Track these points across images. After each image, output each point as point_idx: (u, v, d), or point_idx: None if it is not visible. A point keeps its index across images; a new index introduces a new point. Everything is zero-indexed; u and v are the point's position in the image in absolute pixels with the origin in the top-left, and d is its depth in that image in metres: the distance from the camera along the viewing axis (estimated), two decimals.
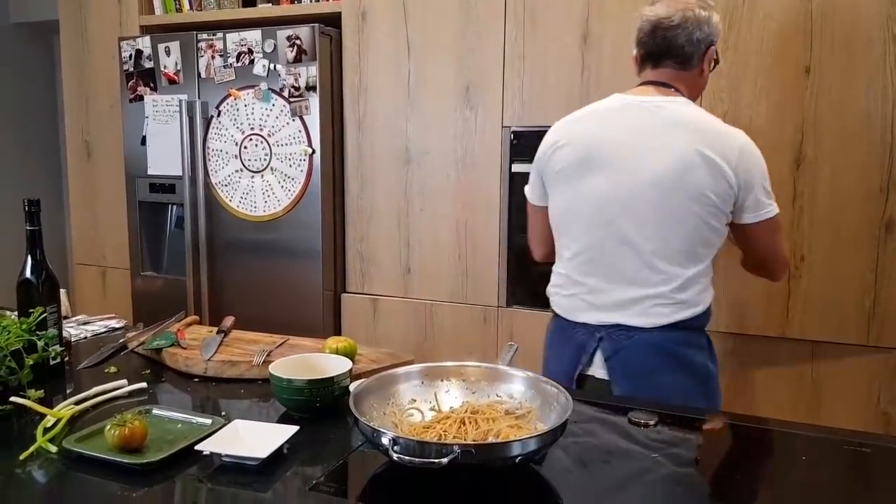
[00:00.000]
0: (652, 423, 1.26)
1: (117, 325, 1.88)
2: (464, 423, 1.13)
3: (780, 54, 2.05)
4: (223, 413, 1.28)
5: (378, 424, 1.10)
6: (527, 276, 2.45)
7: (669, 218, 1.44)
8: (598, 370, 1.53)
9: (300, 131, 2.52)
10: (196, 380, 1.48)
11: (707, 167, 1.41)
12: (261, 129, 2.59)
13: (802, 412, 2.12)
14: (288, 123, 2.54)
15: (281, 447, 1.11)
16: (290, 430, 1.15)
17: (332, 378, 1.27)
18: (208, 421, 1.21)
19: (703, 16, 1.47)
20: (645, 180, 1.45)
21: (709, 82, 1.60)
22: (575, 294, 1.57)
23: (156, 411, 1.25)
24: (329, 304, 2.66)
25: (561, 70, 2.30)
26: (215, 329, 1.71)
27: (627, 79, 2.20)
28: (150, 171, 2.83)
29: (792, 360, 2.14)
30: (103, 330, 1.85)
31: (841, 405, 2.09)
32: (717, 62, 1.57)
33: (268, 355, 1.51)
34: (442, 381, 1.27)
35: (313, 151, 2.52)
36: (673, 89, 1.50)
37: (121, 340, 1.69)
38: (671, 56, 1.49)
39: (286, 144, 2.56)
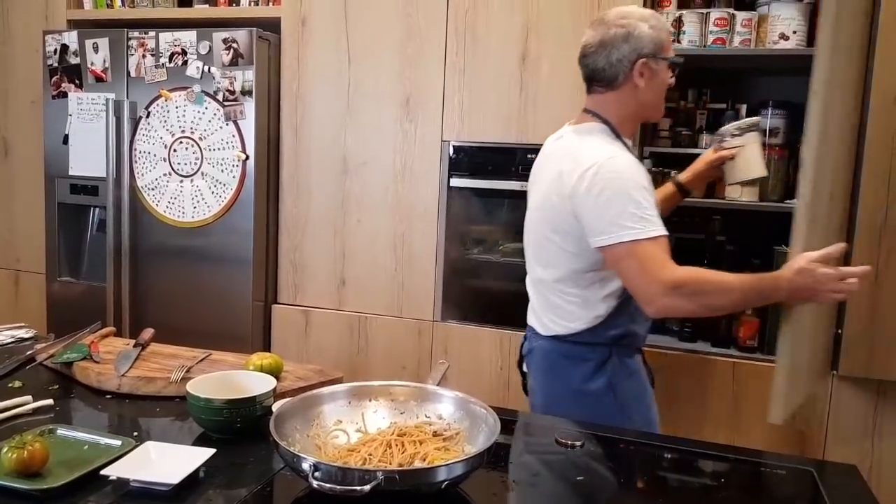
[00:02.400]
0: (578, 444, 1.26)
1: (26, 336, 1.77)
2: (390, 447, 1.10)
3: None
4: (135, 434, 1.21)
5: (300, 448, 1.06)
6: (462, 291, 2.44)
7: (538, 247, 1.58)
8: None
9: (234, 136, 2.45)
10: (109, 397, 1.40)
11: (558, 192, 1.47)
12: (192, 132, 2.49)
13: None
14: (221, 128, 2.45)
15: (196, 471, 1.05)
16: (207, 452, 1.10)
17: (253, 398, 1.21)
18: (118, 442, 1.14)
19: (621, 33, 1.47)
20: (530, 211, 1.63)
21: None
22: None
23: (61, 431, 1.17)
24: (259, 316, 2.58)
25: (500, 87, 2.30)
26: (133, 342, 1.62)
27: (565, 100, 2.23)
28: (72, 172, 2.69)
29: None
30: (9, 340, 1.73)
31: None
32: (675, 66, 1.53)
33: (187, 371, 1.44)
34: (370, 400, 1.23)
35: (247, 157, 2.45)
36: (591, 114, 1.54)
37: (28, 353, 1.58)
38: (596, 80, 1.52)
39: (219, 149, 2.47)
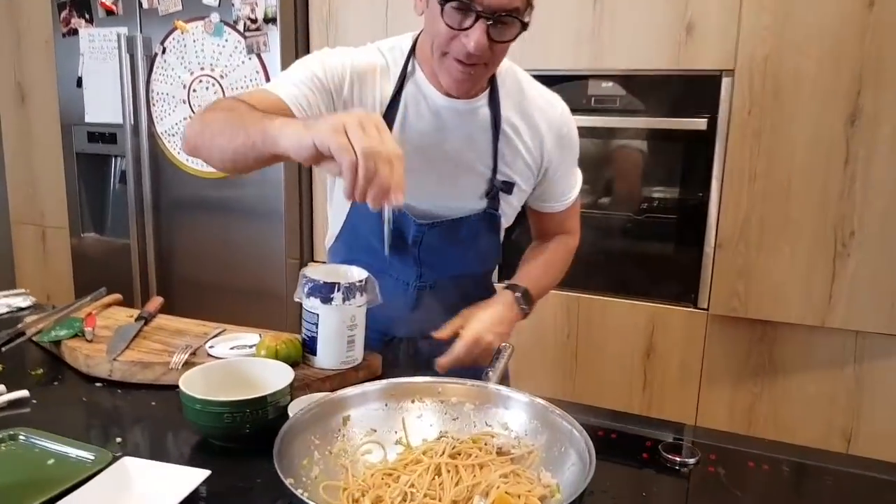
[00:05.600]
0: (692, 461, 0.96)
1: (23, 305, 1.54)
2: (439, 473, 0.81)
3: None
4: (119, 441, 0.95)
5: (319, 475, 0.78)
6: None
7: None
8: None
9: (257, 71, 2.14)
10: (99, 384, 1.14)
11: None
12: (212, 69, 2.20)
13: (840, 411, 1.84)
14: (243, 62, 2.15)
15: (186, 500, 0.79)
16: (199, 475, 0.83)
17: (263, 398, 0.94)
18: (91, 455, 0.88)
19: None
20: None
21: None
22: None
23: (24, 438, 0.92)
24: (294, 275, 2.32)
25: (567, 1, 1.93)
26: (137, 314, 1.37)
27: (650, 13, 1.85)
28: (88, 119, 2.45)
29: (832, 353, 1.84)
30: (4, 310, 1.50)
31: (885, 407, 1.80)
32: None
33: (193, 353, 1.17)
34: (412, 402, 0.94)
35: None
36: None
37: (18, 326, 1.34)
38: None
39: (241, 87, 2.18)
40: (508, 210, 1.28)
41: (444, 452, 0.84)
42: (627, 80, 1.93)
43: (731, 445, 1.03)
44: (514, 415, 0.91)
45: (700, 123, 1.85)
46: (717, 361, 1.94)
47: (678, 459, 0.96)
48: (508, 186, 1.23)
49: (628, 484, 0.91)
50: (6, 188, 2.84)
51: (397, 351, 1.31)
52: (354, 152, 0.79)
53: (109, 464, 0.86)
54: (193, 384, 0.95)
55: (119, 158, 2.54)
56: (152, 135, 2.33)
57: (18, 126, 2.77)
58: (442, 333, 1.20)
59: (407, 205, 1.18)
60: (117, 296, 1.50)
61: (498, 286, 1.34)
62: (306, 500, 0.67)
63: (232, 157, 0.96)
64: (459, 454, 0.85)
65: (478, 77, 1.11)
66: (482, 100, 1.19)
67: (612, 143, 2.04)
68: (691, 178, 1.93)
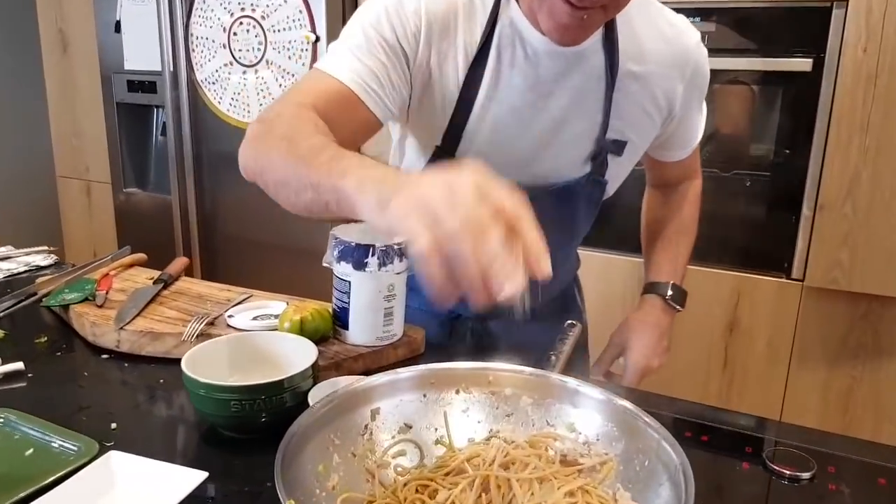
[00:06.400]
0: (806, 476, 0.76)
1: (43, 264, 1.43)
2: (487, 490, 0.64)
3: None
4: (113, 427, 0.81)
5: (339, 483, 0.62)
6: None
7: None
8: None
9: (300, 11, 1.96)
10: (105, 356, 1.01)
11: None
12: (253, 10, 2.03)
13: None
14: (286, 1, 1.98)
15: None
16: (194, 477, 0.68)
17: (280, 383, 0.78)
18: (76, 446, 0.74)
19: None
20: None
21: None
22: None
23: (2, 421, 0.79)
24: None
25: None
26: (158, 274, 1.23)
27: None
28: (127, 66, 2.33)
29: None
30: (23, 269, 1.40)
31: None
32: None
33: (210, 323, 1.03)
34: (457, 392, 0.77)
35: (317, 39, 1.97)
36: None
37: (27, 287, 1.23)
38: None
39: (284, 30, 2.01)
40: (617, 174, 1.04)
41: (494, 461, 0.67)
42: (718, 14, 1.66)
43: (852, 455, 0.82)
44: (585, 414, 0.72)
45: (804, 64, 1.58)
46: (811, 340, 1.70)
47: (787, 472, 0.76)
48: (619, 146, 0.98)
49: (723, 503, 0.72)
50: (51, 141, 2.77)
51: (463, 331, 1.13)
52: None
53: (94, 457, 0.72)
54: (199, 363, 0.80)
55: (160, 109, 2.42)
56: (192, 83, 2.20)
57: (61, 76, 2.68)
58: (601, 370, 1.05)
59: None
60: (141, 255, 1.37)
61: (596, 255, 1.13)
62: None
63: (305, 213, 0.74)
64: (513, 463, 0.68)
65: (591, 24, 0.85)
66: (596, 41, 0.92)
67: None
68: (790, 128, 1.67)
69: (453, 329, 1.13)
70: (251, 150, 0.82)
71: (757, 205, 1.76)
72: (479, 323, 1.12)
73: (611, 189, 1.05)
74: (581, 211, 1.04)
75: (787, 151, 1.68)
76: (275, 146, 0.77)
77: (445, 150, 0.96)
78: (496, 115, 0.93)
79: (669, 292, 1.07)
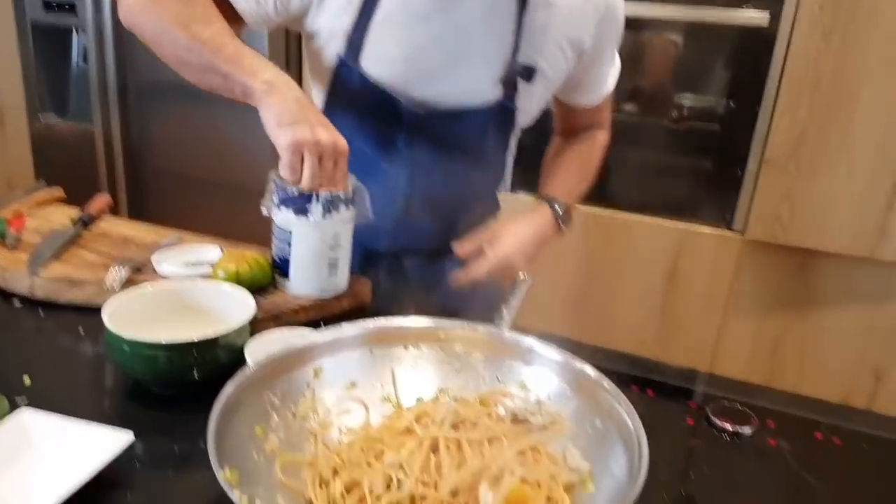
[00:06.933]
0: (746, 429, 0.76)
1: None
2: (437, 450, 0.61)
3: None
4: (28, 384, 0.75)
5: (280, 442, 0.58)
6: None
7: None
8: None
9: None
10: (17, 304, 0.93)
11: None
12: None
13: (875, 349, 1.67)
14: None
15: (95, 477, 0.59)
16: (118, 439, 0.63)
17: (214, 340, 0.72)
18: None
19: None
20: None
21: None
22: None
23: None
24: None
25: None
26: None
27: None
28: None
29: (875, 288, 1.64)
30: None
31: None
32: None
33: (136, 271, 0.95)
34: (405, 348, 0.73)
35: None
36: None
37: None
38: None
39: None
40: (527, 105, 1.01)
41: (443, 421, 0.64)
42: None
43: (792, 410, 0.84)
44: (537, 373, 0.70)
45: (760, 19, 1.56)
46: (746, 290, 1.74)
47: (729, 428, 0.77)
48: (528, 72, 0.96)
49: (670, 460, 0.72)
50: None
51: (377, 268, 1.09)
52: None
53: (3, 415, 0.66)
54: (123, 315, 0.74)
55: (81, 33, 2.22)
56: (116, 3, 2.01)
57: None
58: (463, 248, 0.98)
59: (399, 90, 0.93)
60: (57, 191, 1.26)
61: (521, 198, 1.09)
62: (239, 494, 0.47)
63: (203, 88, 0.90)
64: (463, 422, 0.65)
65: None
66: None
67: (646, 35, 1.75)
68: (742, 82, 1.66)
69: (368, 264, 1.08)
70: (142, 4, 0.91)
71: (703, 157, 1.76)
72: (394, 260, 1.08)
73: (522, 121, 1.03)
74: (490, 140, 1.02)
75: (739, 104, 1.68)
76: (170, 15, 0.87)
77: (348, 61, 0.94)
78: (401, 21, 0.91)
79: (560, 210, 1.04)
